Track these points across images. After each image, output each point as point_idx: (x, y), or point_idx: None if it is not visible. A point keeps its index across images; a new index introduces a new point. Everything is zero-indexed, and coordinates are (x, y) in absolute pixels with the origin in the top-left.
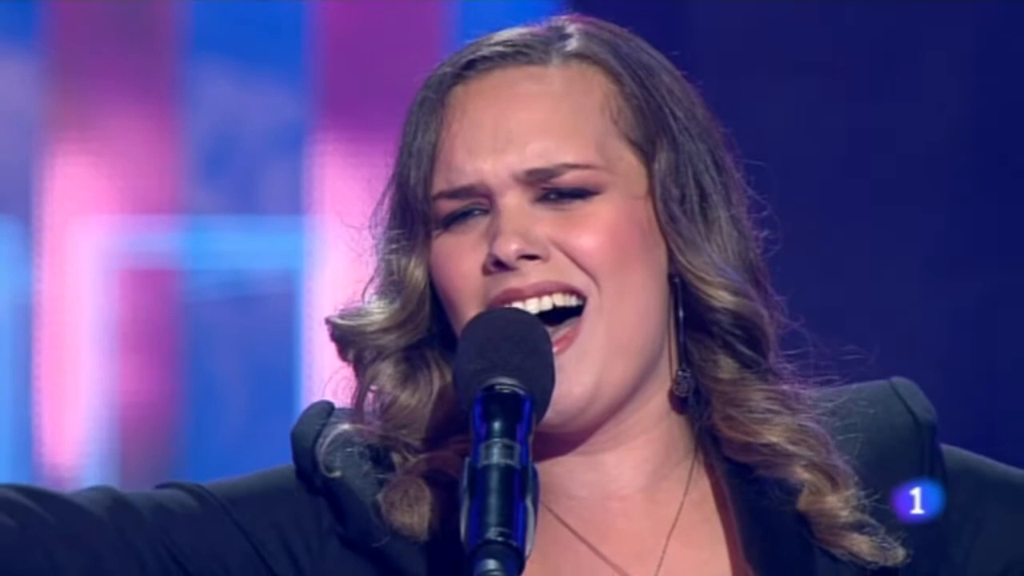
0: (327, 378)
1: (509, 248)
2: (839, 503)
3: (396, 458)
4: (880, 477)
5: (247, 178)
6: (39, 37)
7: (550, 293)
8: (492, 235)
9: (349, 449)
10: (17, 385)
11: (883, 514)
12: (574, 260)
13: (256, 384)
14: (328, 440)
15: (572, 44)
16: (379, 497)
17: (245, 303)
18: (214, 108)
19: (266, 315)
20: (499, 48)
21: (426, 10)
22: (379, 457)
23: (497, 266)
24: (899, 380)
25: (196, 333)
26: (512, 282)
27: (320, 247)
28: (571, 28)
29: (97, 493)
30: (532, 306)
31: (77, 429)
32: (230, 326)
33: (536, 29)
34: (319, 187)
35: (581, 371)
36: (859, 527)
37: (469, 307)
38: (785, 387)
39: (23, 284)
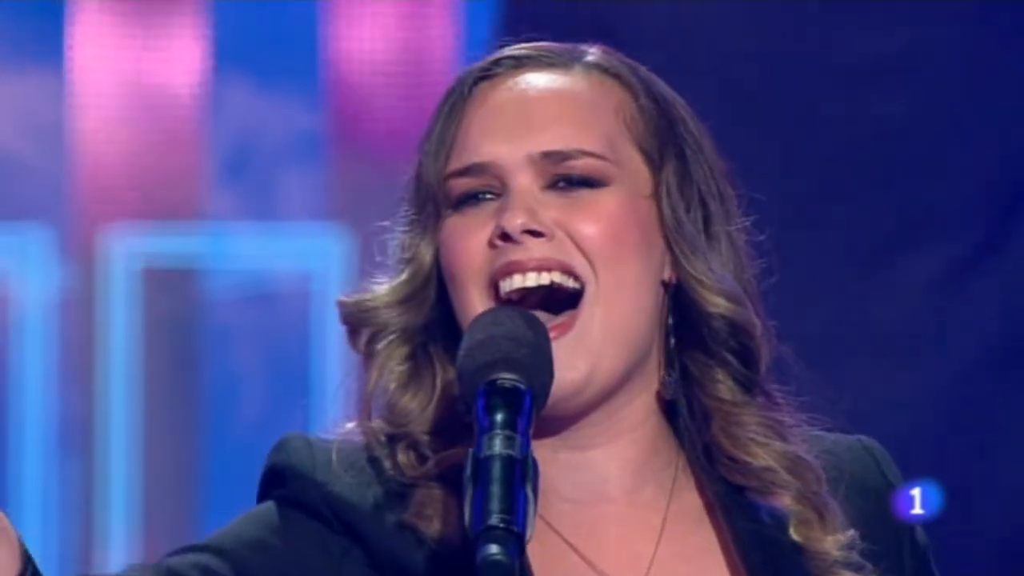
0: (338, 381)
1: (516, 221)
2: (831, 540)
3: (403, 459)
4: (864, 526)
5: (265, 184)
6: (66, 48)
7: (550, 270)
8: (500, 212)
9: (352, 467)
10: (47, 384)
11: (871, 559)
12: (576, 244)
13: (272, 381)
14: (331, 466)
15: (592, 57)
16: (407, 516)
17: (263, 304)
18: (234, 116)
19: (283, 315)
20: (526, 51)
21: (437, 22)
22: (386, 464)
23: (503, 239)
24: (870, 442)
25: (216, 332)
26: (515, 255)
27: (335, 251)
28: (592, 48)
29: (146, 573)
30: (532, 280)
31: (102, 425)
32: (248, 326)
33: (558, 44)
34: (335, 193)
35: (577, 356)
36: (854, 567)
37: (472, 281)
38: (782, 417)
39: (53, 286)
